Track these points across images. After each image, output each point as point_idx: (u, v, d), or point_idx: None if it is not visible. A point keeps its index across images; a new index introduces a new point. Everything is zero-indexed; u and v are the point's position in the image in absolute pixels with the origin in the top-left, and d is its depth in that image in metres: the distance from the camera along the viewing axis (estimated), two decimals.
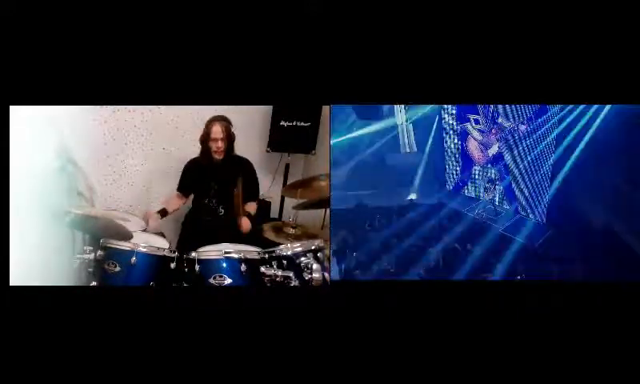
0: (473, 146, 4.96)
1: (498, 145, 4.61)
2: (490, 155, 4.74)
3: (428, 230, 4.29)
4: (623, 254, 3.37)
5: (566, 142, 3.80)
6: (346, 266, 3.64)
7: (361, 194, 5.17)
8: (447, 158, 5.41)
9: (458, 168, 5.32)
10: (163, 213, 3.28)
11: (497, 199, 4.79)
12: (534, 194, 4.37)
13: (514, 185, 4.60)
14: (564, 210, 3.96)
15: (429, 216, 4.62)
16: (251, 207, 3.37)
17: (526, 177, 4.42)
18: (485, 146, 4.78)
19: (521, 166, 4.45)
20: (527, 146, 4.31)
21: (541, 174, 4.22)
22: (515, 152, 4.48)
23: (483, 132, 4.74)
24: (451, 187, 5.44)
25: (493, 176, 4.84)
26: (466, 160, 5.11)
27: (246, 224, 3.20)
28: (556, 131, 3.91)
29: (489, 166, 4.86)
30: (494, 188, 4.80)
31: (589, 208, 3.72)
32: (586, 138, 3.59)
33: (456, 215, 4.73)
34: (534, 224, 4.32)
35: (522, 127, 4.25)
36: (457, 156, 5.26)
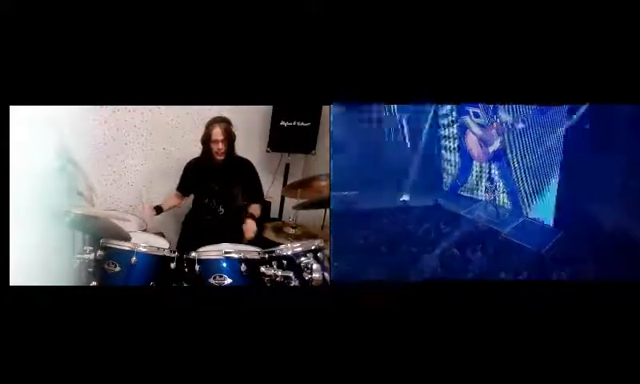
0: (472, 142, 4.59)
1: (499, 140, 4.27)
2: (491, 152, 4.40)
3: (423, 234, 3.99)
4: (638, 253, 3.17)
5: (574, 138, 3.55)
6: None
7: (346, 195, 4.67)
8: (443, 154, 5.00)
9: (455, 166, 4.95)
10: (158, 209, 3.28)
11: (498, 200, 4.44)
12: (540, 193, 4.04)
13: (517, 184, 4.26)
14: (574, 211, 3.65)
15: (424, 219, 4.25)
16: (255, 209, 3.35)
17: (531, 175, 4.09)
18: (485, 142, 4.44)
19: (525, 164, 4.11)
20: (533, 141, 3.99)
21: (548, 172, 3.90)
22: (519, 148, 4.14)
23: (483, 126, 4.41)
24: (448, 187, 5.04)
25: (494, 174, 4.48)
26: (465, 157, 4.74)
27: (250, 228, 3.17)
28: (564, 126, 3.63)
29: (489, 163, 4.50)
30: (496, 188, 4.45)
31: (600, 208, 3.49)
32: (595, 135, 3.41)
33: (454, 218, 4.36)
34: (541, 227, 3.99)
35: (521, 125, 4.03)
36: (454, 153, 4.90)
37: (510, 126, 4.14)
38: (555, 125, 3.71)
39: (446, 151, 4.95)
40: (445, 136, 4.92)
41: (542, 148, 3.89)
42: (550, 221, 3.92)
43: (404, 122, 5.00)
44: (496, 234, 3.94)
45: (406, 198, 4.75)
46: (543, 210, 3.99)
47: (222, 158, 3.28)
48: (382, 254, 3.60)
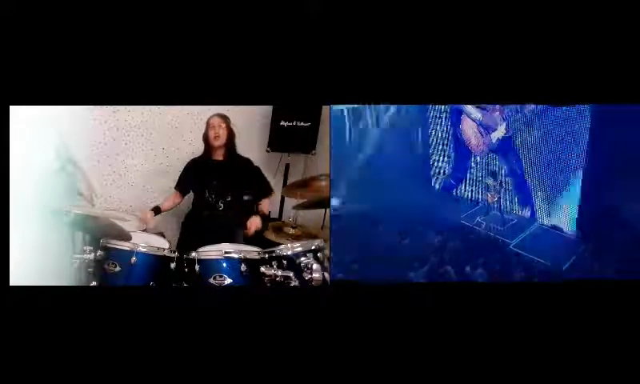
0: (470, 129, 3.72)
1: (505, 126, 3.45)
2: (495, 141, 3.57)
3: (408, 245, 3.28)
4: None
5: (603, 127, 2.89)
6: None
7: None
8: (433, 145, 4.00)
9: (448, 159, 3.98)
10: (156, 210, 3.28)
11: (504, 202, 3.62)
12: (558, 194, 3.22)
13: (529, 182, 3.42)
14: (603, 217, 2.97)
15: (410, 224, 3.49)
16: (265, 205, 3.40)
17: (547, 170, 3.26)
18: (487, 129, 3.59)
19: (540, 156, 3.26)
20: (549, 125, 3.11)
21: (569, 166, 3.08)
22: (531, 135, 3.26)
23: (485, 109, 3.54)
24: (439, 186, 4.14)
25: (498, 170, 3.65)
26: (461, 148, 3.83)
27: (254, 223, 3.16)
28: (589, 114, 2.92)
29: (492, 155, 3.64)
30: (501, 187, 3.62)
31: (635, 213, 2.88)
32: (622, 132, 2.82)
33: (447, 225, 3.51)
34: (560, 237, 3.23)
35: (533, 105, 3.18)
36: (447, 143, 3.93)
37: (519, 107, 3.32)
38: (578, 110, 3.01)
39: (437, 141, 4.00)
40: (434, 122, 3.94)
41: (561, 134, 3.08)
42: (571, 229, 3.20)
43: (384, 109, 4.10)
44: (502, 245, 3.26)
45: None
46: (563, 214, 3.25)
47: (220, 144, 3.30)
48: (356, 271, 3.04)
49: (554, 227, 3.32)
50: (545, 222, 3.38)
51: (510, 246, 3.22)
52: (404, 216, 3.63)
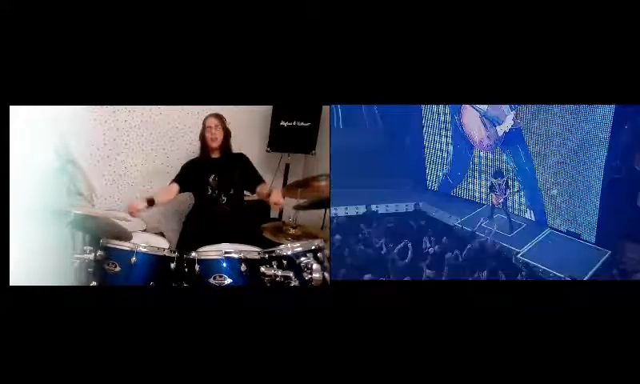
0: (472, 122, 3.28)
1: (512, 117, 3.00)
2: (501, 134, 3.11)
3: (399, 253, 2.88)
4: None
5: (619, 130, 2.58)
6: None
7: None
8: (429, 141, 3.55)
9: (446, 157, 3.53)
10: (150, 202, 3.12)
11: (511, 204, 3.17)
12: (575, 194, 2.77)
13: (540, 181, 2.99)
14: (624, 221, 2.57)
15: (399, 231, 3.09)
16: (264, 187, 3.35)
17: (560, 169, 2.81)
18: (492, 121, 3.17)
19: (554, 151, 2.79)
20: (565, 115, 2.67)
21: (589, 162, 2.66)
22: (544, 128, 2.80)
23: None
24: (436, 186, 3.71)
25: (505, 168, 3.20)
26: (461, 144, 3.41)
27: (276, 198, 3.12)
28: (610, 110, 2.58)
29: (498, 150, 3.22)
30: (507, 186, 3.14)
31: None
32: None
33: (444, 231, 3.10)
34: (575, 244, 2.81)
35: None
36: (445, 138, 3.50)
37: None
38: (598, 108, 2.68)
39: (434, 134, 3.57)
40: (431, 116, 3.49)
41: (579, 127, 2.70)
42: (590, 234, 2.79)
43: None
44: (508, 254, 2.87)
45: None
46: (581, 218, 2.84)
47: (216, 144, 3.31)
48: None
49: (570, 233, 2.95)
50: (559, 227, 2.99)
51: (518, 255, 2.89)
52: (395, 219, 3.33)
